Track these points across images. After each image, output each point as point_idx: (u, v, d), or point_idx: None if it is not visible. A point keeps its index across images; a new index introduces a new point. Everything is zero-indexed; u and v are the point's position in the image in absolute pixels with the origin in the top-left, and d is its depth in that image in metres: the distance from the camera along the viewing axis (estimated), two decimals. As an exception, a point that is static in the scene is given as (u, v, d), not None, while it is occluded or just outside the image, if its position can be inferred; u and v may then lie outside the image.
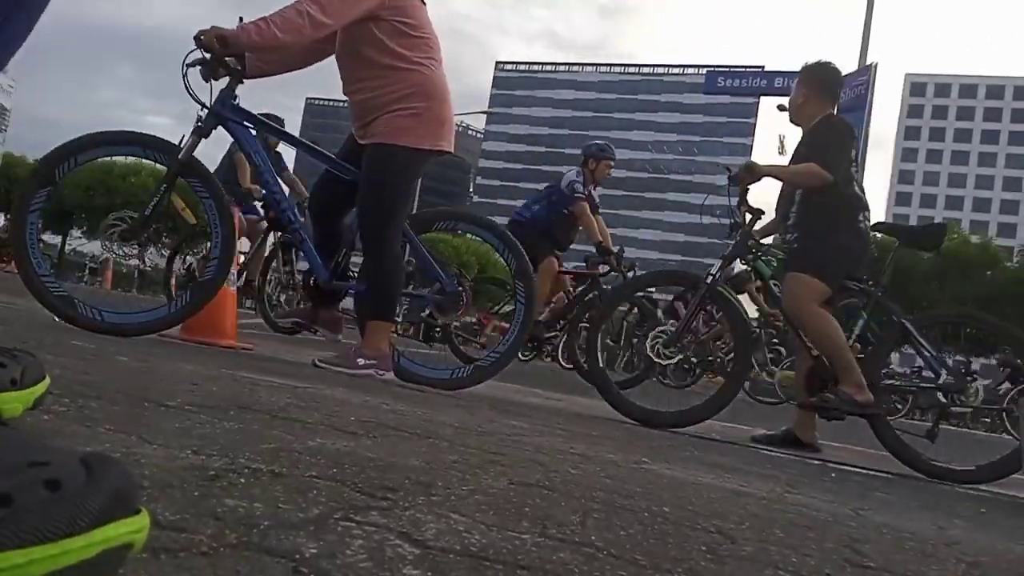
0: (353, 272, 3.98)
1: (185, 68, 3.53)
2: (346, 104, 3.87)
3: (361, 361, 3.54)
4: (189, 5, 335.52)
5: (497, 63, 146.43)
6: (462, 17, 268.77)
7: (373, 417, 2.10)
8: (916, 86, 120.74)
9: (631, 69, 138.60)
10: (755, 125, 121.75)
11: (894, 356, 9.18)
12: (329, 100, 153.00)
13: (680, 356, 4.28)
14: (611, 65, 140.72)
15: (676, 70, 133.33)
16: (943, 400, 3.86)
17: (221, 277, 3.64)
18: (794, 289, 3.93)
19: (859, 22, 18.38)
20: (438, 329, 4.74)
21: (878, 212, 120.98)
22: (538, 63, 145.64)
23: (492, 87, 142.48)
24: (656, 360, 4.21)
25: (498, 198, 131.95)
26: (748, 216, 4.16)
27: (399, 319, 4.04)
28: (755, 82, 22.77)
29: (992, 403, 4.60)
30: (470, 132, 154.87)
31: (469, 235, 4.20)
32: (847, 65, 19.18)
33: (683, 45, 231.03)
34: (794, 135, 4.45)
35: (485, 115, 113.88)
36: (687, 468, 2.25)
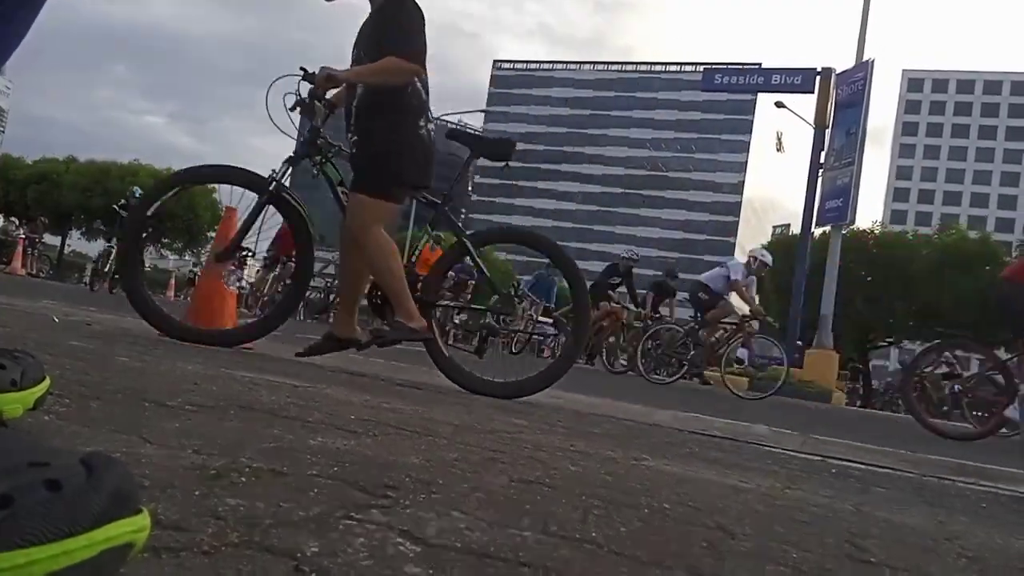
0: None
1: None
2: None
3: None
4: (187, 5, 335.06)
5: (495, 62, 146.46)
6: (459, 14, 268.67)
7: (373, 416, 2.10)
8: (913, 82, 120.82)
9: (629, 67, 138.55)
10: (752, 122, 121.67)
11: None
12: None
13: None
14: (609, 63, 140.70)
15: (673, 67, 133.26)
16: (491, 321, 3.95)
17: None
18: (359, 213, 3.76)
19: (856, 18, 18.38)
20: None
21: (875, 208, 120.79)
22: (536, 61, 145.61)
23: (490, 85, 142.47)
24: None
25: (496, 196, 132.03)
26: (319, 113, 3.83)
27: None
28: (752, 79, 22.65)
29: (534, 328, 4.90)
30: (468, 131, 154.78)
31: None
32: (844, 62, 19.19)
33: (680, 41, 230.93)
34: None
35: (483, 114, 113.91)
36: (687, 464, 2.25)
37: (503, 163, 4.04)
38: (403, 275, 3.75)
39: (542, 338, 15.72)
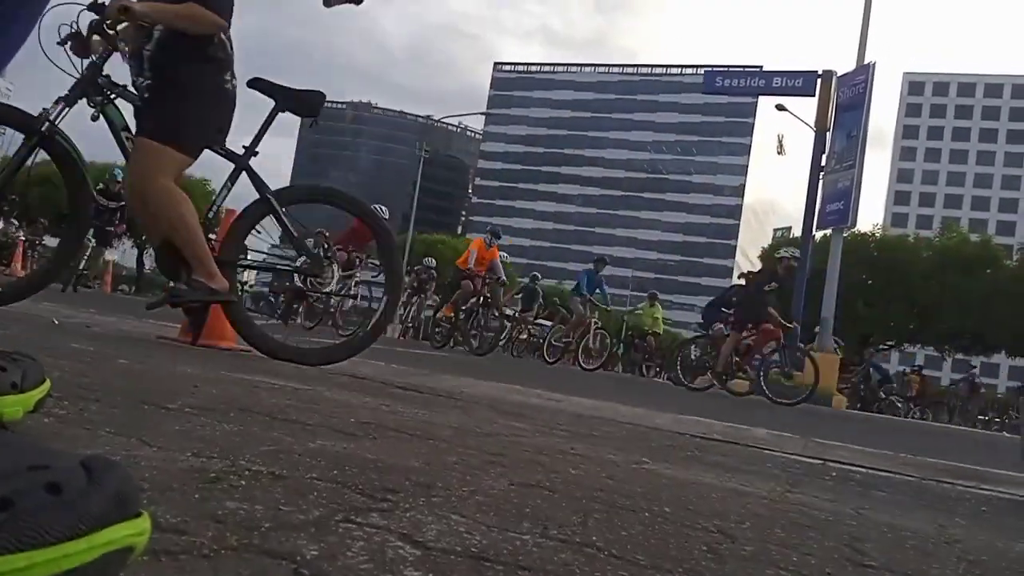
0: None
1: None
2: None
3: None
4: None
5: (495, 64, 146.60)
6: (459, 15, 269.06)
7: (373, 419, 2.10)
8: (914, 85, 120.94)
9: (629, 69, 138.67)
10: (753, 125, 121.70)
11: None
12: (328, 102, 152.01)
13: None
14: (609, 65, 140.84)
15: (674, 70, 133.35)
16: (299, 283, 3.78)
17: None
18: (144, 160, 3.40)
19: (857, 21, 18.39)
20: None
21: (876, 211, 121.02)
22: (536, 64, 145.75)
23: (490, 88, 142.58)
24: None
25: (496, 199, 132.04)
26: (94, 48, 3.47)
27: None
28: (753, 82, 22.65)
29: (343, 290, 4.49)
30: (468, 133, 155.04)
31: None
32: (845, 64, 19.22)
33: (681, 43, 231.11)
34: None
35: (484, 116, 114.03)
36: (688, 468, 2.25)
37: (311, 119, 3.78)
38: (199, 228, 3.45)
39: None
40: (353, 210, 3.94)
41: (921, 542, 1.61)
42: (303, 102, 3.75)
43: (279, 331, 3.77)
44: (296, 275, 3.75)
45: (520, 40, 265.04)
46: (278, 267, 3.85)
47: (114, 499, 0.64)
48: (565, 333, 13.88)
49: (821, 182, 18.42)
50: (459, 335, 12.14)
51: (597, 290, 13.84)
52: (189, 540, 0.84)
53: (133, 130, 3.56)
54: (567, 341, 13.79)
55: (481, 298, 11.69)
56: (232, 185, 3.74)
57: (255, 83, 3.69)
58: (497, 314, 12.01)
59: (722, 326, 11.37)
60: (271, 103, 3.71)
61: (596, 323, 13.29)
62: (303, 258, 3.70)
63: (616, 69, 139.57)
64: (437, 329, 12.89)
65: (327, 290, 4.01)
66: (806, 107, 19.87)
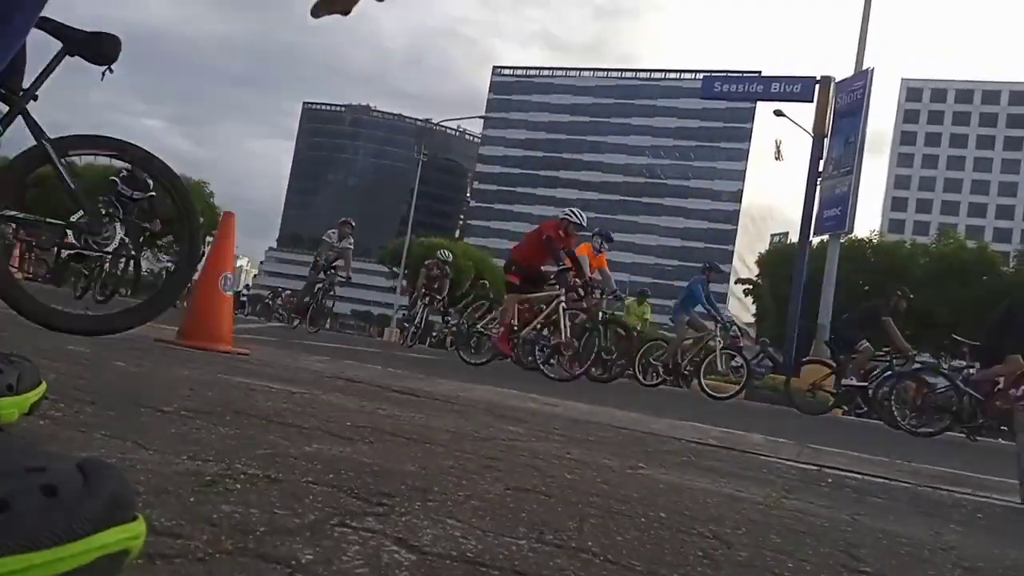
0: None
1: None
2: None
3: None
4: (182, 4, 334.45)
5: (494, 68, 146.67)
6: (458, 20, 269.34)
7: (369, 422, 2.10)
8: (912, 91, 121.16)
9: (628, 74, 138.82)
10: (751, 131, 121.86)
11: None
12: (326, 105, 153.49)
13: None
14: (608, 70, 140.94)
15: (673, 75, 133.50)
16: (75, 241, 3.36)
17: None
18: None
19: (855, 27, 18.44)
20: None
21: (873, 217, 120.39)
22: (535, 68, 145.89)
23: (489, 92, 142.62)
24: None
25: (495, 203, 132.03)
26: None
27: None
28: (752, 87, 22.72)
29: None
30: (467, 136, 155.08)
31: None
32: (844, 70, 19.28)
33: (680, 48, 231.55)
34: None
35: (482, 120, 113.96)
36: (683, 473, 2.25)
37: (105, 67, 3.40)
38: None
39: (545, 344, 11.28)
40: (134, 160, 3.55)
41: (916, 548, 1.61)
42: (95, 47, 3.35)
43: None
44: (67, 230, 3.32)
45: (519, 45, 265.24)
46: (48, 221, 3.46)
47: (110, 502, 0.64)
48: (671, 352, 11.55)
49: (818, 188, 18.46)
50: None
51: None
52: (184, 544, 0.84)
53: None
54: (673, 361, 11.42)
55: (600, 314, 9.70)
56: (3, 130, 3.38)
57: (40, 22, 3.40)
58: (624, 332, 10.04)
59: (868, 344, 10.36)
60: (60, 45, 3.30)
61: (719, 342, 11.07)
62: (79, 213, 3.35)
63: (615, 73, 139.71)
64: (536, 346, 9.71)
65: (107, 250, 3.59)
66: (804, 113, 19.92)
